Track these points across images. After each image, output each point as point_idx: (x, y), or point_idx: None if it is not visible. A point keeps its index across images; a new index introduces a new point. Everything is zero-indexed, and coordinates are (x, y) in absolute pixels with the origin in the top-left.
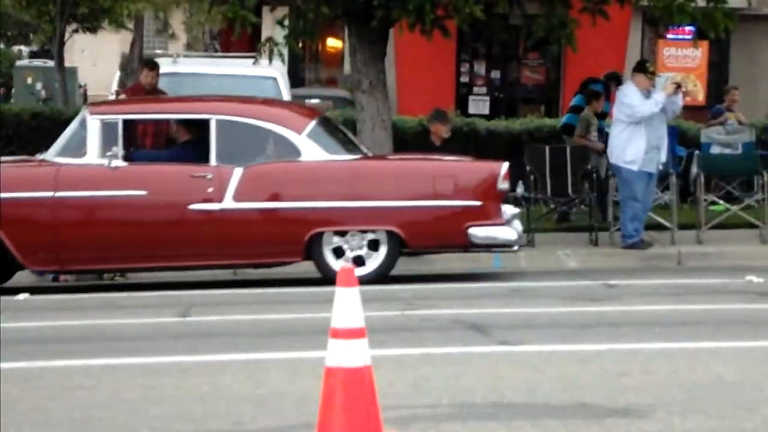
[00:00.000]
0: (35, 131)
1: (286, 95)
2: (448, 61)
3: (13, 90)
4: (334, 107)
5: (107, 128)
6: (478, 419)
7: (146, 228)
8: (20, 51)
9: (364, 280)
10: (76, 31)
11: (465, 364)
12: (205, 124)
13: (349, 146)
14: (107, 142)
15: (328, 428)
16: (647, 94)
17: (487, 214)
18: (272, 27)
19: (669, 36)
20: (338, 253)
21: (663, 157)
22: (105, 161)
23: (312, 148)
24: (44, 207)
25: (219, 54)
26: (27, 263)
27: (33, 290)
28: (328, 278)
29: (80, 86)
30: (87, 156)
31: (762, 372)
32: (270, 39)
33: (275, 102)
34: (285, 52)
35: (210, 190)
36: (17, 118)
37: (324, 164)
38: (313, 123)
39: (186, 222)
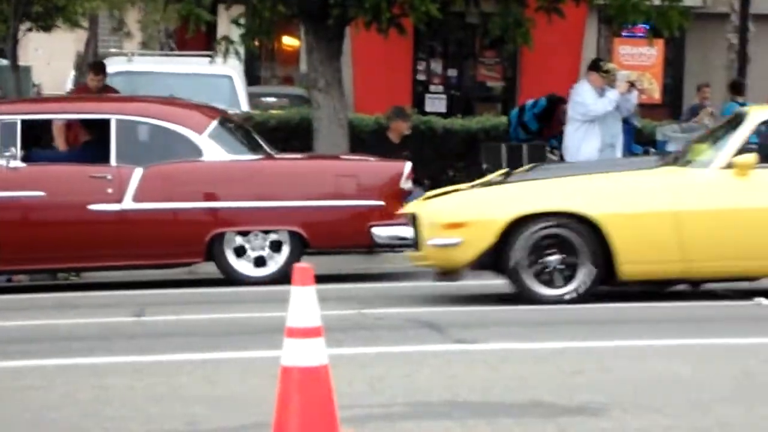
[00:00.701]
0: None
1: (242, 94)
2: (404, 59)
3: None
4: (291, 105)
5: (6, 128)
6: (434, 418)
7: (45, 229)
8: None
9: (266, 281)
10: (30, 29)
11: (420, 363)
12: (105, 123)
13: (253, 146)
14: (6, 143)
15: (285, 428)
16: (601, 92)
17: (390, 214)
18: (228, 25)
19: (624, 34)
20: (240, 253)
21: (618, 155)
22: (3, 162)
23: (213, 148)
24: None
25: (175, 53)
26: None
27: None
28: (231, 279)
29: (34, 85)
30: None
31: (716, 370)
32: (226, 38)
33: (176, 102)
34: (241, 50)
35: (109, 190)
36: None
37: (225, 164)
38: (214, 123)
39: (85, 223)
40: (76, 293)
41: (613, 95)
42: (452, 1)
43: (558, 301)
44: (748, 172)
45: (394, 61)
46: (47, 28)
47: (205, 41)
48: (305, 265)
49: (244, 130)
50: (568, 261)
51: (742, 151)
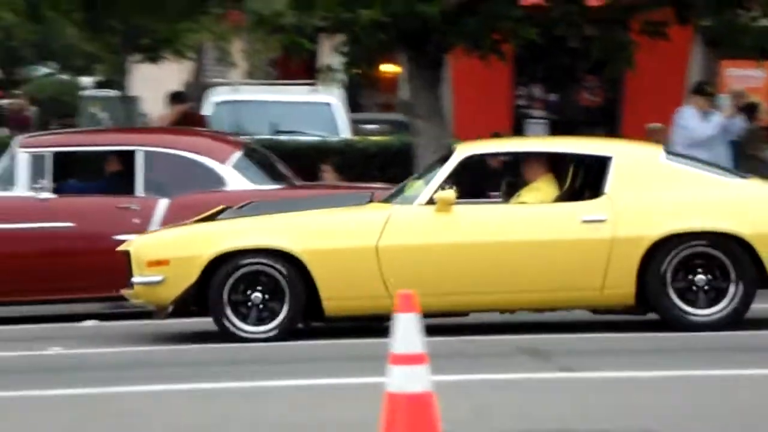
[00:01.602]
0: None
1: (343, 121)
2: (504, 84)
3: (78, 119)
4: (391, 132)
5: (36, 161)
6: None
7: (74, 259)
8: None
9: None
10: (138, 61)
11: (526, 391)
12: (131, 155)
13: (276, 176)
14: (37, 175)
15: None
16: (705, 116)
17: None
18: (329, 54)
19: (732, 56)
20: None
21: None
22: (33, 193)
23: (237, 179)
24: None
25: (278, 81)
26: None
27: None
28: None
29: (142, 115)
30: (16, 188)
31: None
32: (327, 66)
33: (202, 133)
34: (342, 78)
35: (136, 221)
36: None
37: (249, 194)
38: (238, 153)
39: (112, 252)
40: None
41: (718, 119)
42: (553, 25)
43: (259, 339)
44: (450, 208)
45: (494, 86)
46: (155, 59)
47: (307, 70)
48: (409, 292)
49: (269, 161)
50: (271, 297)
51: (445, 187)
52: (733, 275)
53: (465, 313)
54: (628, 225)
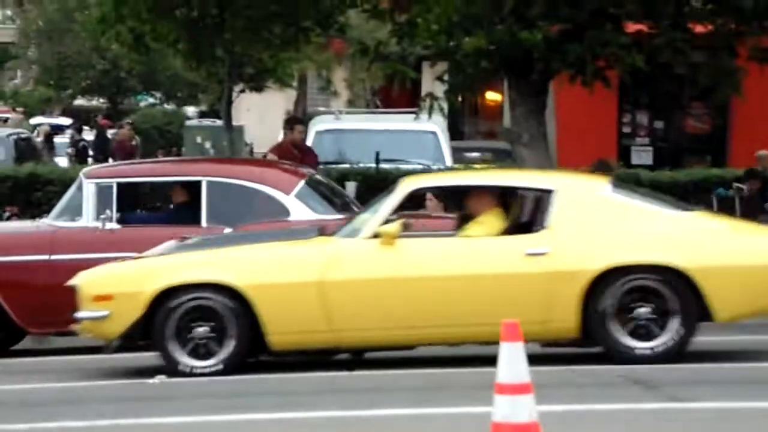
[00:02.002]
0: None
1: (446, 149)
2: (609, 111)
3: (183, 149)
4: (494, 160)
5: (102, 192)
6: None
7: None
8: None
9: None
10: (242, 90)
11: (633, 422)
12: (196, 185)
13: (340, 205)
14: (102, 205)
15: None
16: None
17: None
18: (432, 82)
19: None
20: None
21: None
22: (99, 224)
23: (300, 209)
24: (41, 270)
25: (380, 110)
26: (27, 327)
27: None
28: None
29: (247, 144)
30: (82, 219)
31: None
32: (430, 94)
33: (265, 163)
34: (445, 106)
35: None
36: None
37: (312, 224)
38: (302, 183)
39: None
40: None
41: None
42: (659, 52)
43: (203, 373)
44: (393, 242)
45: (598, 113)
46: (259, 88)
47: (409, 98)
48: (513, 321)
49: (333, 191)
50: (216, 331)
51: (391, 220)
52: (674, 308)
53: (411, 347)
54: (570, 258)
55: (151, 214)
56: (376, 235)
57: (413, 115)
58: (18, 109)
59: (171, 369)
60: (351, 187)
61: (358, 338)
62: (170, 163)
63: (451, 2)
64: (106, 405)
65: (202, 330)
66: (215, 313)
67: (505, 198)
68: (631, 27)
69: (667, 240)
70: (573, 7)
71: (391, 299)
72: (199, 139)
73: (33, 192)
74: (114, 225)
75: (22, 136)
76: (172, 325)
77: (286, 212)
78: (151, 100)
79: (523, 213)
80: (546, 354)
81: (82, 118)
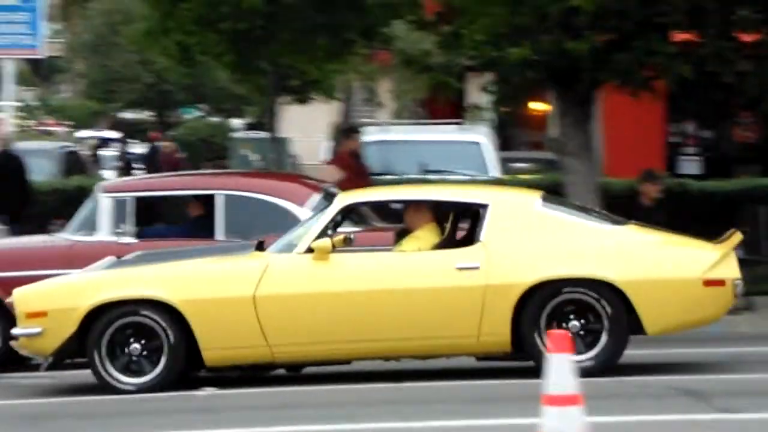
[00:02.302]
0: None
1: (492, 159)
2: (656, 121)
3: (229, 161)
4: (541, 170)
5: (119, 206)
6: None
7: None
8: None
9: None
10: (288, 102)
11: None
12: (211, 199)
13: (356, 218)
14: (119, 219)
15: None
16: None
17: None
18: (477, 92)
19: None
20: None
21: None
22: (115, 238)
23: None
24: None
25: (425, 121)
26: None
27: None
28: None
29: (291, 156)
30: (99, 233)
31: None
32: (475, 105)
33: (280, 175)
34: (490, 117)
35: None
36: None
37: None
38: (316, 196)
39: None
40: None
41: None
42: (706, 61)
43: (137, 390)
44: (327, 257)
45: (645, 123)
46: (303, 100)
47: (454, 109)
48: (561, 332)
49: None
50: (150, 349)
51: (326, 234)
52: (605, 322)
53: (347, 361)
54: (501, 272)
55: (167, 227)
56: (309, 250)
57: (458, 126)
58: (65, 122)
59: (104, 385)
60: None
61: (293, 353)
62: (185, 177)
63: (496, 13)
64: (158, 417)
65: (135, 347)
66: (149, 329)
67: (441, 212)
68: (678, 36)
69: (597, 253)
70: (619, 17)
71: (324, 314)
72: (245, 152)
73: (80, 204)
74: (130, 239)
75: (70, 149)
76: (104, 342)
77: None
78: (197, 112)
79: (458, 227)
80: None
81: (129, 131)
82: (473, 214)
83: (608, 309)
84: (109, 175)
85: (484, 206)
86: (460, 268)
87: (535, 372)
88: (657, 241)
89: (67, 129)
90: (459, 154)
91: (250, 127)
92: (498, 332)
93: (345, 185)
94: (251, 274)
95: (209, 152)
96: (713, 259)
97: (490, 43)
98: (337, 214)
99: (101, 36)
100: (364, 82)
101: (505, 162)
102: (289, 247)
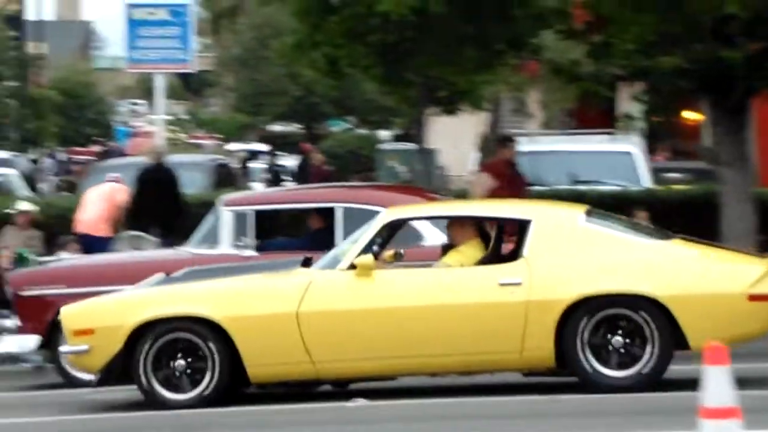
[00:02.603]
0: None
1: (643, 170)
2: None
3: (377, 172)
4: (694, 180)
5: (239, 219)
6: None
7: None
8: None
9: None
10: (436, 114)
11: None
12: (330, 212)
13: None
14: (239, 233)
15: None
16: None
17: None
18: (628, 101)
19: None
20: None
21: None
22: (236, 251)
23: (433, 233)
24: None
25: (575, 131)
26: None
27: None
28: None
29: (439, 167)
30: (220, 246)
31: None
32: (626, 114)
33: (401, 188)
34: (642, 126)
35: None
36: None
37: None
38: None
39: None
40: None
41: None
42: None
43: (184, 405)
44: (370, 273)
45: None
46: (452, 111)
47: (604, 118)
48: (719, 344)
49: None
50: (196, 365)
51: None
52: (648, 337)
53: (392, 377)
54: (544, 288)
55: (288, 240)
56: (352, 267)
57: (608, 136)
58: (215, 135)
59: (150, 401)
60: None
61: (337, 369)
62: (305, 190)
63: (646, 21)
64: (309, 428)
65: (180, 363)
66: (194, 346)
67: (485, 228)
68: None
69: (640, 269)
70: None
71: (366, 330)
72: (392, 163)
73: None
74: (251, 252)
75: (220, 162)
76: (150, 359)
77: (420, 237)
78: (344, 125)
79: (502, 243)
80: (754, 378)
81: (277, 143)
82: (516, 229)
83: (652, 324)
84: (258, 187)
85: (528, 222)
86: (503, 284)
87: (581, 387)
88: (702, 256)
89: (216, 142)
90: (610, 164)
91: (398, 138)
92: (541, 348)
93: (497, 194)
94: (295, 290)
95: (357, 164)
96: (758, 274)
97: (640, 52)
98: (382, 229)
99: (250, 50)
100: (512, 93)
101: (656, 172)
102: (333, 264)
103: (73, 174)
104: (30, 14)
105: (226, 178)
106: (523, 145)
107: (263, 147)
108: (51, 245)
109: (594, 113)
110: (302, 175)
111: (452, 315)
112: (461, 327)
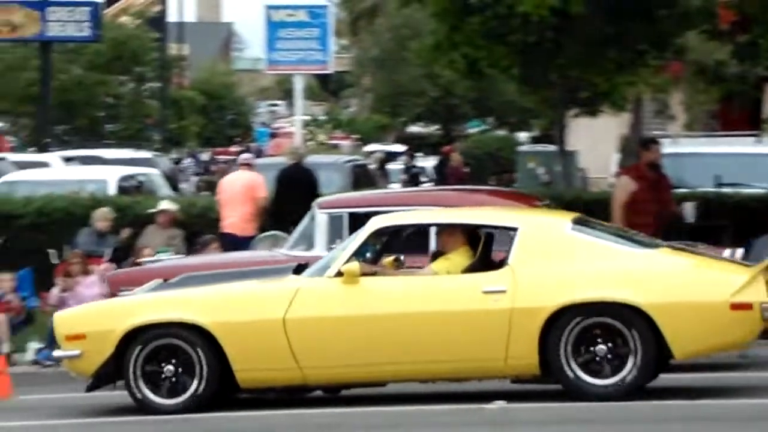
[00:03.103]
0: None
1: None
2: None
3: (516, 174)
4: None
5: (334, 222)
6: None
7: None
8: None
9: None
10: (576, 115)
11: None
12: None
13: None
14: (334, 235)
15: None
16: None
17: None
18: None
19: None
20: None
21: None
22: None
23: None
24: None
25: (719, 133)
26: None
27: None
28: None
29: (580, 169)
30: (315, 249)
31: None
32: None
33: (493, 192)
34: None
35: None
36: None
37: None
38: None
39: None
40: None
41: None
42: None
43: (171, 411)
44: (357, 280)
45: None
46: (593, 113)
47: (749, 120)
48: None
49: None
50: (185, 371)
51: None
52: (632, 345)
53: (381, 384)
54: (528, 296)
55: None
56: (339, 274)
57: (754, 138)
58: (352, 136)
59: (140, 406)
60: (689, 208)
61: (324, 375)
62: (401, 194)
63: None
64: (449, 429)
65: (169, 368)
66: (183, 352)
67: (474, 235)
68: None
69: (624, 277)
70: None
71: (352, 337)
72: (531, 164)
73: None
74: None
75: (358, 162)
76: (140, 364)
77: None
78: (482, 126)
79: (489, 250)
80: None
81: (415, 144)
82: (503, 237)
83: (635, 333)
84: (396, 188)
85: (514, 229)
86: (487, 292)
87: (565, 395)
88: (686, 265)
89: (354, 143)
90: (755, 166)
91: (536, 140)
92: (525, 355)
93: (639, 196)
94: (282, 297)
95: (495, 166)
96: (741, 283)
97: None
98: (369, 237)
99: (388, 51)
100: (654, 94)
101: None
102: (322, 271)
103: (214, 174)
104: (172, 16)
105: (364, 178)
106: (666, 147)
107: (401, 148)
108: (192, 244)
109: (738, 115)
110: (440, 177)
111: (436, 322)
112: (445, 334)
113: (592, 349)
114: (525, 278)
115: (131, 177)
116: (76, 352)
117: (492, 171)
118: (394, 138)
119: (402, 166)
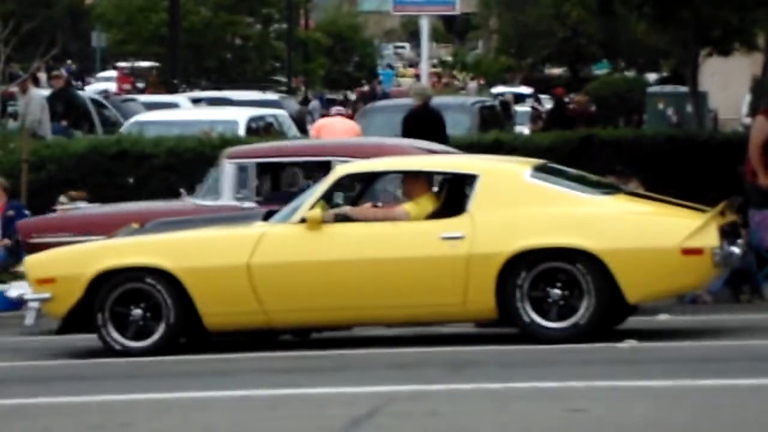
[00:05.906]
0: (669, 154)
1: None
2: None
3: (644, 116)
4: None
5: (241, 172)
6: None
7: None
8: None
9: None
10: (709, 54)
11: None
12: (327, 166)
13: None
14: (241, 185)
15: None
16: None
17: None
18: None
19: None
20: None
21: None
22: (237, 203)
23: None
24: None
25: None
26: None
27: None
28: None
29: (710, 111)
30: (222, 198)
31: None
32: None
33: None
34: None
35: None
36: (652, 141)
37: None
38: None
39: None
40: None
41: None
42: None
43: (141, 353)
44: (319, 226)
45: None
46: (726, 52)
47: None
48: None
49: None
50: (151, 313)
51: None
52: (585, 290)
53: (346, 327)
54: (485, 242)
55: (291, 193)
56: (303, 220)
57: None
58: (479, 78)
59: (108, 348)
60: None
61: (288, 319)
62: (306, 145)
63: None
64: (582, 366)
65: (137, 312)
66: (150, 296)
67: (436, 182)
68: None
69: (579, 223)
70: None
71: (314, 282)
72: (660, 106)
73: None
74: (252, 204)
75: (486, 104)
76: (108, 307)
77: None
78: (609, 68)
79: (451, 197)
80: None
81: (542, 86)
82: (463, 184)
83: (588, 277)
84: (524, 131)
85: (474, 177)
86: (445, 238)
87: (522, 339)
88: (641, 211)
89: (481, 84)
90: None
91: (664, 81)
92: (483, 300)
93: None
94: (247, 242)
95: (624, 107)
96: (692, 228)
97: None
98: (334, 184)
99: None
100: None
101: None
102: (287, 218)
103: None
104: None
105: (491, 120)
106: None
107: (528, 90)
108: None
109: None
110: (558, 119)
111: (395, 268)
112: (405, 280)
113: (547, 293)
114: (483, 225)
115: (260, 118)
116: (47, 295)
117: (620, 112)
118: (521, 80)
119: (528, 109)
